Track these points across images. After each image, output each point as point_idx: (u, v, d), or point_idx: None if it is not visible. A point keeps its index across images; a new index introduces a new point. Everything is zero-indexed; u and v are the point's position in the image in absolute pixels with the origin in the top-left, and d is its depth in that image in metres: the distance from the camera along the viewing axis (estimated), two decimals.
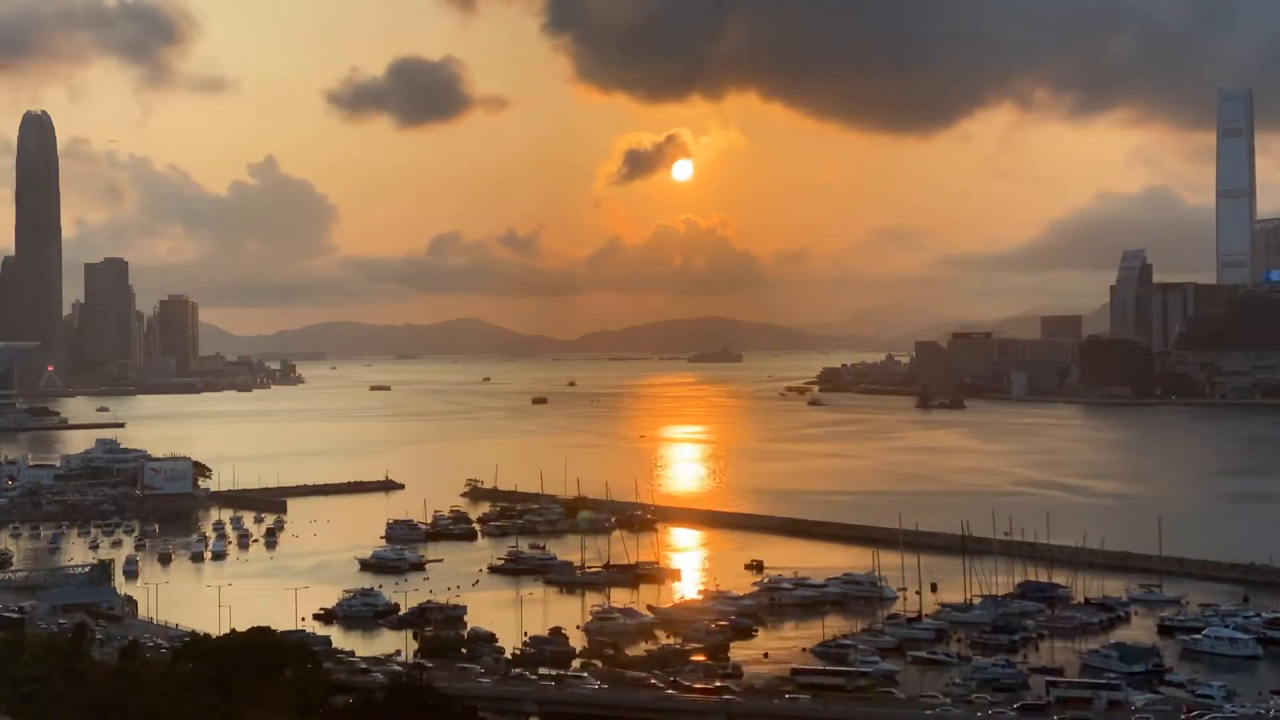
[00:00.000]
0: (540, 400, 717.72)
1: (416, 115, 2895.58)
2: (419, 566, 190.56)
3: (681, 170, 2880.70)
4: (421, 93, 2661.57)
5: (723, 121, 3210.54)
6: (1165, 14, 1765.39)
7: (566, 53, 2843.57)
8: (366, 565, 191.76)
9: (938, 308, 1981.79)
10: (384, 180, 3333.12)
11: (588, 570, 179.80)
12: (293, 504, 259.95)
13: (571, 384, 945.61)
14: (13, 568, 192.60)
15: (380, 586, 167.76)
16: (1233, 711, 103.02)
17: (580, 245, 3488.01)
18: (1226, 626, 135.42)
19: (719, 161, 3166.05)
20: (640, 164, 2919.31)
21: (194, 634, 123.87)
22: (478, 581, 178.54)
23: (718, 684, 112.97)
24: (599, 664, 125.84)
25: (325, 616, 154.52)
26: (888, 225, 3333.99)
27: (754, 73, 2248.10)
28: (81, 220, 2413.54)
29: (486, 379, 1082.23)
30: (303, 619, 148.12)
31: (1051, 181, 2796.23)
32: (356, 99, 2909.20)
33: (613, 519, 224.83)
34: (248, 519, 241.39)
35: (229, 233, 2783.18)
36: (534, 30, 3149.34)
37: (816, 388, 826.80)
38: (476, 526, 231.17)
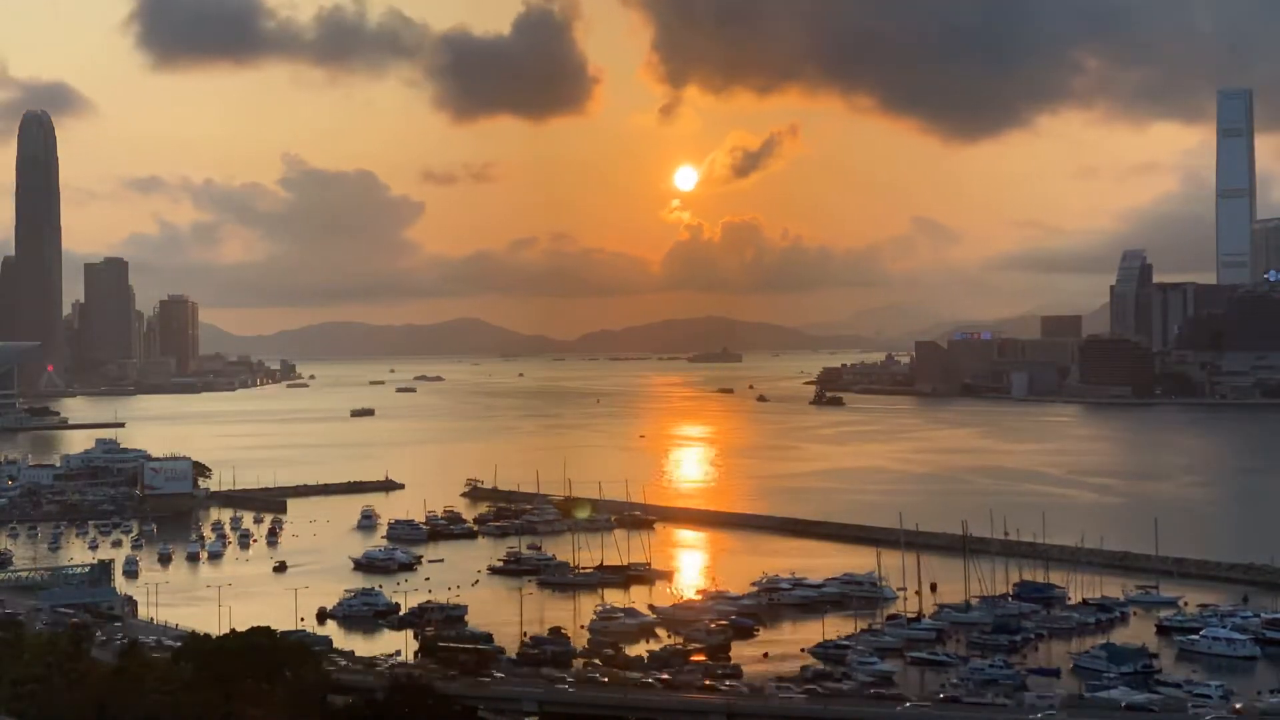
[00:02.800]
0: (364, 412, 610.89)
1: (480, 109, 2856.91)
2: (409, 567, 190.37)
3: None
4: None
5: (785, 120, 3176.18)
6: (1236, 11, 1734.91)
7: (636, 43, 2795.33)
8: (359, 565, 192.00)
9: (939, 307, 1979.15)
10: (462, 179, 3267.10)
11: (582, 571, 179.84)
12: (292, 504, 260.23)
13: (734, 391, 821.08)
14: (13, 568, 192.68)
15: (380, 587, 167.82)
16: None
17: (605, 242, 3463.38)
18: (1224, 627, 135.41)
19: (783, 160, 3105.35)
20: (718, 162, 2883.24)
21: (194, 634, 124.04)
22: (477, 581, 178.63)
23: (708, 683, 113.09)
24: (600, 663, 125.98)
25: (325, 616, 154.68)
26: (929, 223, 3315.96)
27: (810, 66, 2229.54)
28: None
29: (520, 374, 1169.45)
30: (302, 619, 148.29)
31: (1118, 182, 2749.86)
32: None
33: (612, 519, 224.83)
34: (247, 519, 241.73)
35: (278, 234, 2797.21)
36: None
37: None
38: (474, 526, 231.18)
